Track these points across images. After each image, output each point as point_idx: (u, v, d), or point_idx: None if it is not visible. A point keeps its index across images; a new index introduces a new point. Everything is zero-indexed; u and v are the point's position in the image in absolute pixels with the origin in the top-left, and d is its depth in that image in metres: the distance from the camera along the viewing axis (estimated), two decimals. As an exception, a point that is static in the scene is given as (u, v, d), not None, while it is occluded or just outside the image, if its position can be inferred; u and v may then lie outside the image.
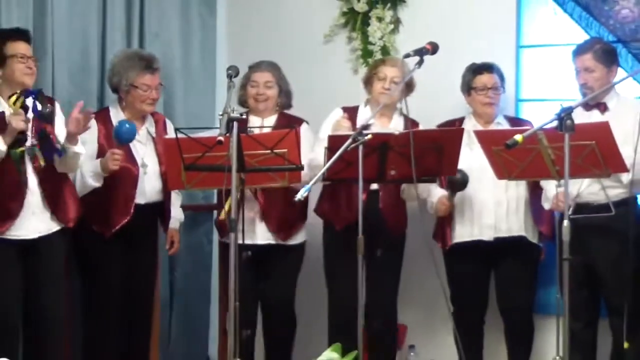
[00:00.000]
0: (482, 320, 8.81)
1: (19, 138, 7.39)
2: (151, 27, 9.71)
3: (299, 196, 7.02)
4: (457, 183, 8.23)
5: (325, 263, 8.78)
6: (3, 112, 7.51)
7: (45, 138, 7.51)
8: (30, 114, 7.45)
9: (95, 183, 8.09)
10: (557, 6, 9.01)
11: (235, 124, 7.02)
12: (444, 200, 8.45)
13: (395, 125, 8.48)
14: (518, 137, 6.52)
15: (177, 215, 8.77)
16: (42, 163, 7.51)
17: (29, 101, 7.47)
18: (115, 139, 8.07)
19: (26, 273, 7.74)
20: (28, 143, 7.46)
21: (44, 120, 7.54)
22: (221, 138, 6.93)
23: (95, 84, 9.19)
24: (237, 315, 7.24)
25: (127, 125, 8.08)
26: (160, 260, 9.03)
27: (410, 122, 8.44)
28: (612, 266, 8.00)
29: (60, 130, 7.70)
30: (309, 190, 7.07)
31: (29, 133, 7.46)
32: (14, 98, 7.46)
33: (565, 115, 6.53)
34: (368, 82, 8.69)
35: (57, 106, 7.93)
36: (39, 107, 7.50)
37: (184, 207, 8.97)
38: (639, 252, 8.05)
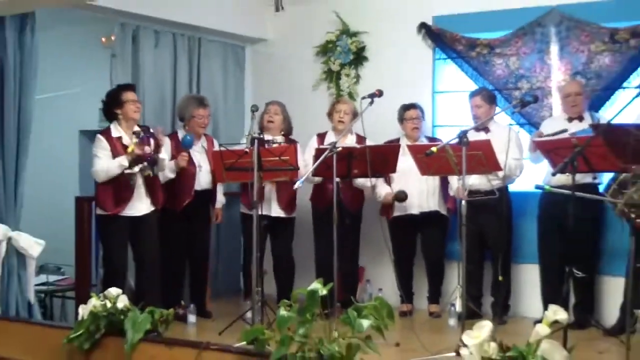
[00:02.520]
0: (412, 263, 8.84)
1: (136, 159, 7.73)
2: (203, 81, 9.71)
3: (297, 186, 7.19)
4: (400, 197, 8.41)
5: (314, 229, 8.84)
6: (120, 137, 7.84)
7: (153, 161, 7.87)
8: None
9: (171, 175, 8.27)
10: (456, 67, 9.07)
11: (256, 141, 7.31)
12: (389, 197, 8.55)
13: (350, 141, 8.50)
14: (434, 149, 6.59)
15: (221, 199, 8.85)
16: (151, 174, 7.89)
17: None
18: (182, 146, 8.27)
19: (134, 236, 8.00)
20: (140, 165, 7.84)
21: (153, 151, 7.91)
22: (247, 150, 7.38)
23: (169, 117, 9.23)
24: (258, 262, 7.43)
25: (187, 137, 8.30)
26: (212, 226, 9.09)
27: (359, 137, 8.52)
28: (493, 230, 8.09)
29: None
30: (302, 182, 7.15)
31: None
32: (134, 138, 7.81)
33: (462, 135, 6.56)
34: (330, 115, 8.79)
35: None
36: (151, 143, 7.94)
37: (224, 194, 8.99)
38: (509, 221, 8.26)
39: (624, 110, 6.16)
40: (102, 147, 7.77)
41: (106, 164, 7.71)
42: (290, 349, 5.22)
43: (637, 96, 6.07)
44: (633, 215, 5.58)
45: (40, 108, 8.26)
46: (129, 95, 7.91)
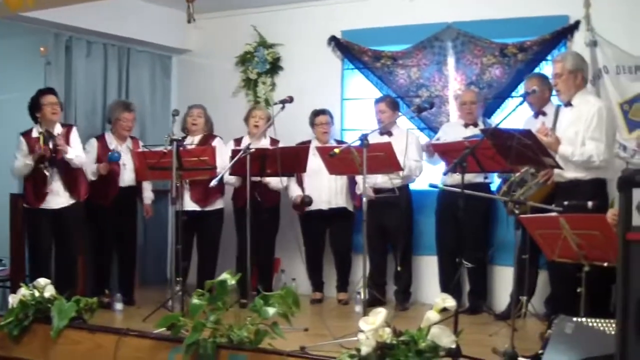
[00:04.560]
0: (321, 256, 8.74)
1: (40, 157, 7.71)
2: (132, 87, 9.61)
3: (212, 184, 7.12)
4: (306, 202, 8.41)
5: (235, 224, 8.65)
6: (37, 138, 7.78)
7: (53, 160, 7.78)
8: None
9: (93, 177, 8.21)
10: (363, 76, 9.03)
11: (175, 142, 7.21)
12: (298, 200, 8.50)
13: (264, 143, 8.38)
14: (336, 150, 6.46)
15: (149, 195, 8.72)
16: (46, 172, 7.76)
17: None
18: (109, 160, 8.18)
19: (55, 229, 7.89)
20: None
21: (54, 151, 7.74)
22: (165, 150, 7.38)
23: (99, 121, 9.13)
24: (179, 254, 7.33)
25: (115, 154, 8.19)
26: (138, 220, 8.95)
27: (273, 140, 8.46)
28: (394, 223, 8.04)
29: (74, 145, 7.95)
30: (218, 181, 7.12)
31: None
32: (41, 137, 7.70)
33: (364, 138, 6.46)
34: (247, 120, 8.65)
35: (74, 130, 8.09)
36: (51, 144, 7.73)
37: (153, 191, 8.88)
38: (409, 216, 8.26)
39: (512, 117, 6.15)
40: (19, 148, 7.80)
41: (17, 163, 7.77)
42: (203, 334, 5.14)
43: (521, 104, 6.05)
44: (517, 212, 5.55)
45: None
46: (47, 99, 7.84)
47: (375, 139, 7.69)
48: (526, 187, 6.68)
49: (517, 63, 8.18)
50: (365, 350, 4.47)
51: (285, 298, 5.18)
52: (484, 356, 5.31)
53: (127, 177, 8.37)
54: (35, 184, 7.77)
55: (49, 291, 6.14)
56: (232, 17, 9.79)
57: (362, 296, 7.21)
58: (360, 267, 8.18)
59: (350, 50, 9.08)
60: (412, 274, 8.42)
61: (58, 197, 7.84)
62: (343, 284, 8.67)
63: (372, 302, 7.57)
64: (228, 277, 5.17)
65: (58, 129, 7.86)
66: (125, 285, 8.55)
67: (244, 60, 9.74)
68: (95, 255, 8.51)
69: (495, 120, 8.08)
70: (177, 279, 7.27)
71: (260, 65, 9.61)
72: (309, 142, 8.53)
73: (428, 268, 8.47)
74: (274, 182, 8.31)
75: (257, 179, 7.73)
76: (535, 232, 5.40)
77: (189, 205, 8.40)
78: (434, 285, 8.19)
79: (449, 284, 7.62)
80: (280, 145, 8.23)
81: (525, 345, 5.67)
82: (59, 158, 7.75)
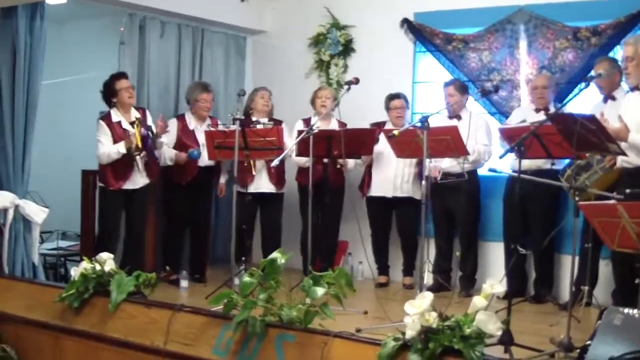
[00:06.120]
0: (388, 238, 8.69)
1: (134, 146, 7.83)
2: (206, 68, 9.62)
3: (274, 164, 7.19)
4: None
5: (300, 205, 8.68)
6: (120, 121, 7.95)
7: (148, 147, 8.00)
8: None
9: (170, 163, 8.34)
10: (434, 59, 8.93)
11: (238, 121, 7.32)
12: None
13: (333, 125, 8.41)
14: (395, 132, 6.48)
15: (225, 174, 8.76)
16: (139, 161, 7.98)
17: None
18: (189, 157, 8.28)
19: (127, 207, 8.08)
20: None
21: (148, 138, 7.94)
22: (225, 129, 7.58)
23: (172, 101, 9.17)
24: (242, 233, 7.57)
25: (195, 152, 8.28)
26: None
27: (340, 123, 8.43)
28: (461, 209, 7.97)
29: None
30: (279, 161, 7.21)
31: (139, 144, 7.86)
32: (136, 126, 7.84)
33: (424, 120, 6.40)
34: (313, 101, 8.66)
35: (148, 113, 8.29)
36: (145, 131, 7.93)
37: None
38: (477, 202, 8.17)
39: (582, 101, 6.02)
40: (103, 132, 7.87)
41: (107, 150, 7.82)
42: (256, 313, 5.14)
43: (584, 88, 5.88)
44: (577, 198, 5.41)
45: (61, 91, 8.27)
46: (121, 84, 7.97)
47: (444, 122, 7.71)
48: (591, 171, 6.55)
49: (591, 47, 7.98)
50: (410, 333, 4.41)
51: (337, 279, 5.13)
52: (541, 346, 5.20)
53: (206, 157, 8.39)
54: (116, 166, 7.88)
55: (110, 265, 6.23)
56: (306, -2, 9.85)
57: (423, 281, 7.15)
58: (426, 251, 8.21)
59: (422, 32, 8.97)
60: (478, 260, 8.29)
61: (139, 178, 8.01)
62: (409, 268, 8.58)
63: (437, 288, 7.53)
64: (279, 256, 5.14)
65: (134, 113, 8.00)
66: (197, 263, 8.67)
67: (317, 41, 9.71)
68: (167, 232, 8.65)
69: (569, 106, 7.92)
70: (242, 258, 7.31)
71: (333, 47, 9.58)
72: (383, 123, 8.51)
73: (495, 254, 8.30)
74: (350, 164, 8.38)
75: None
76: (594, 219, 5.25)
77: (266, 186, 8.58)
78: (500, 272, 8.04)
79: (514, 271, 7.51)
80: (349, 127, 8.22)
81: (585, 336, 5.51)
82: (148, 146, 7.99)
